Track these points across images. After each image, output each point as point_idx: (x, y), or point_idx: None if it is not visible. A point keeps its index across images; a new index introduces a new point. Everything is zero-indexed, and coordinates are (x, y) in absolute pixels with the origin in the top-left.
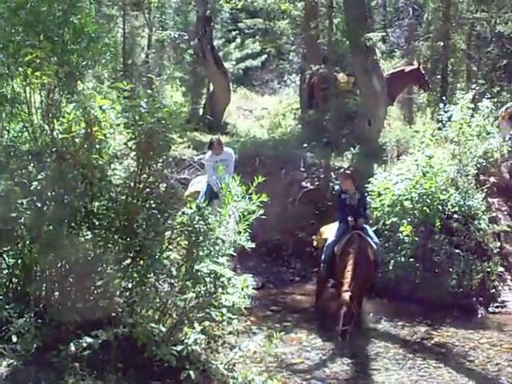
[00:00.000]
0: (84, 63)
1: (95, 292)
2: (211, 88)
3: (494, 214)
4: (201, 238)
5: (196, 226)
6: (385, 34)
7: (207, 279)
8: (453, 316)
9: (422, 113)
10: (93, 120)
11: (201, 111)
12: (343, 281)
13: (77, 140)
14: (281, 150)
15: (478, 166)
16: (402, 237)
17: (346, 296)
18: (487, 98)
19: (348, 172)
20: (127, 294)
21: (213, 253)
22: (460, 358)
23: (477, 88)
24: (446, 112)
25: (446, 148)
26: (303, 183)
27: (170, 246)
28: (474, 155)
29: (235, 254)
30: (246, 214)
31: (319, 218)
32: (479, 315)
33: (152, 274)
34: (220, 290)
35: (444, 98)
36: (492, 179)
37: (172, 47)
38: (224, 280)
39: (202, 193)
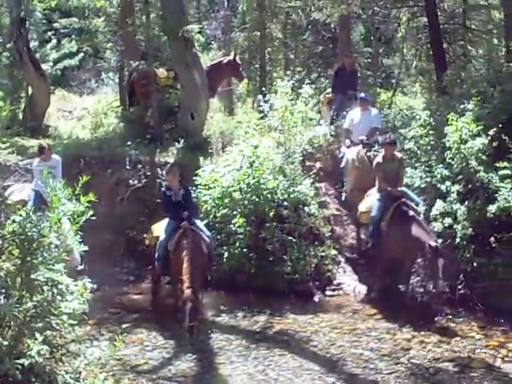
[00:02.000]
0: None
1: None
2: (30, 91)
3: (322, 199)
4: (34, 245)
5: (28, 233)
6: (201, 26)
7: (45, 287)
8: (291, 303)
9: (243, 103)
10: None
11: (21, 115)
12: (182, 277)
13: None
14: (105, 149)
15: (304, 152)
16: (234, 228)
17: (189, 292)
18: (307, 84)
19: (172, 167)
20: None
21: (48, 260)
22: (303, 344)
23: (296, 76)
24: (266, 101)
25: (271, 137)
26: (130, 181)
27: (2, 257)
28: (300, 142)
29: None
30: (75, 216)
31: (149, 216)
32: (317, 299)
33: None
34: (59, 297)
35: (263, 87)
36: (318, 164)
37: None
38: (62, 287)
39: (31, 200)
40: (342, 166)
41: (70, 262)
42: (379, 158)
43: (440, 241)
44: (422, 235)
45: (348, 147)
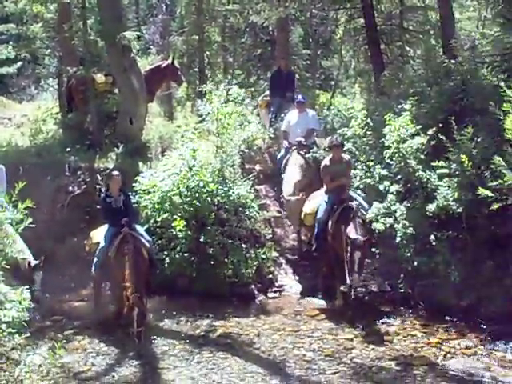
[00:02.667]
0: None
1: None
2: None
3: (263, 201)
4: None
5: None
6: (139, 31)
7: None
8: (233, 306)
9: (183, 107)
10: None
11: None
12: (126, 283)
13: None
14: (44, 156)
15: (243, 155)
16: (174, 232)
17: (136, 297)
18: (244, 88)
19: (113, 174)
20: None
21: None
22: (246, 347)
23: (233, 79)
24: (205, 105)
25: (210, 140)
26: (70, 188)
27: None
28: (237, 145)
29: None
30: (13, 223)
31: (90, 222)
32: (259, 302)
33: None
34: None
35: (202, 90)
36: (258, 167)
37: None
38: (0, 296)
39: None
40: (281, 167)
41: (24, 262)
42: (326, 161)
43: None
44: (351, 232)
45: (286, 149)
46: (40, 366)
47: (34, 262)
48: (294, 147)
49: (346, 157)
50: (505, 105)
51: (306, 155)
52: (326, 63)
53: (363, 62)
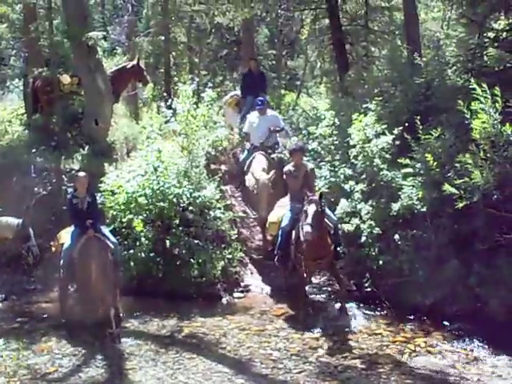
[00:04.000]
0: None
1: None
2: None
3: (228, 202)
4: None
5: None
6: (105, 32)
7: None
8: (199, 306)
9: (148, 108)
10: None
11: None
12: (96, 286)
13: None
14: (10, 157)
15: (208, 155)
16: (138, 233)
17: (110, 299)
18: (209, 88)
19: (80, 175)
20: None
21: None
22: (212, 346)
23: (197, 80)
24: (170, 106)
25: (175, 141)
26: (36, 189)
27: None
28: (203, 146)
29: None
30: None
31: (55, 223)
32: (225, 302)
33: None
34: None
35: (168, 91)
36: (223, 167)
37: None
38: None
39: None
40: (244, 167)
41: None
42: (289, 167)
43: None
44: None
45: (248, 150)
46: (6, 367)
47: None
48: (256, 148)
49: (309, 165)
50: (473, 103)
51: (270, 156)
52: (292, 63)
53: (328, 62)
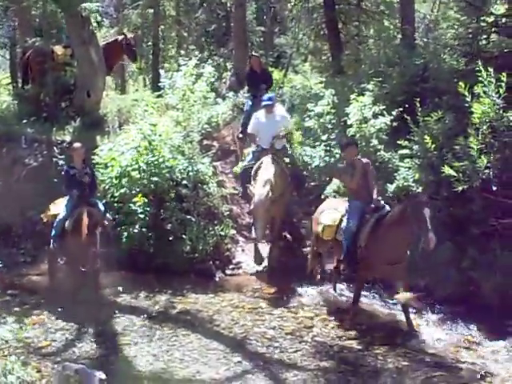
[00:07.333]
0: None
1: None
2: None
3: (220, 178)
4: None
5: None
6: (98, 3)
7: None
8: (192, 282)
9: (135, 81)
10: None
11: None
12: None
13: None
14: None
15: (203, 131)
16: (133, 207)
17: (87, 237)
18: (209, 64)
19: (76, 146)
20: None
21: None
22: (206, 324)
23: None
24: (170, 79)
25: (169, 115)
26: (26, 161)
27: None
28: (199, 121)
29: None
30: None
31: (46, 195)
32: (217, 279)
33: None
34: None
35: (156, 64)
36: (216, 143)
37: None
38: None
39: None
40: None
41: None
42: (339, 165)
43: None
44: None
45: (253, 153)
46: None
47: None
48: (264, 151)
49: (364, 160)
50: (476, 86)
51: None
52: (280, 41)
53: (318, 41)
